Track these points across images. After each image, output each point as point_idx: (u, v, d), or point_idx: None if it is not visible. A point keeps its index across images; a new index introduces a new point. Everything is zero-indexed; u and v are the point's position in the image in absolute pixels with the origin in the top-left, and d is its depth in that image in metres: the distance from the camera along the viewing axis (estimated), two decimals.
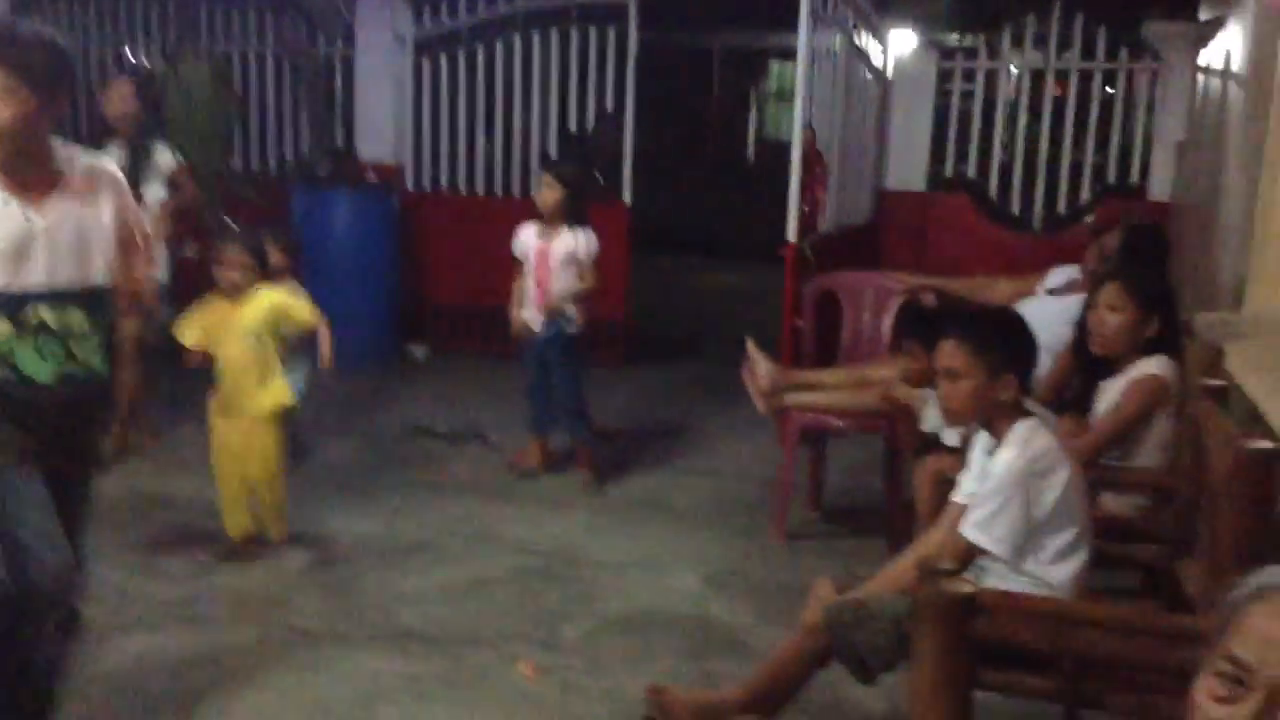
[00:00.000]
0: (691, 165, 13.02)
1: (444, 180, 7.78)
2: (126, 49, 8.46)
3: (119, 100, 5.44)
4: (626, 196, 7.38)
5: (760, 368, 4.43)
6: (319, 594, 3.96)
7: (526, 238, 5.03)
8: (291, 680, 3.36)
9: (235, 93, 7.77)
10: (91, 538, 2.90)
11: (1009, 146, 7.85)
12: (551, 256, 4.94)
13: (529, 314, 5.03)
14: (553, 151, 7.60)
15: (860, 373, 4.47)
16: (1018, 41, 7.53)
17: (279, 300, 4.15)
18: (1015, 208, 7.68)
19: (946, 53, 7.80)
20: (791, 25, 5.50)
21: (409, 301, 7.43)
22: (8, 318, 2.53)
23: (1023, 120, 7.62)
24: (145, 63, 8.51)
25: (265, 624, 3.67)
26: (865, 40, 7.10)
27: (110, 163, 2.75)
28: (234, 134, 7.70)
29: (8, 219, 2.52)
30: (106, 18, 8.54)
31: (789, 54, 5.58)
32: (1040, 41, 7.49)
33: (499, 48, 7.64)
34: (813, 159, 6.49)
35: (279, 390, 4.15)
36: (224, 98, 7.01)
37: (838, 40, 6.42)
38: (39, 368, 2.56)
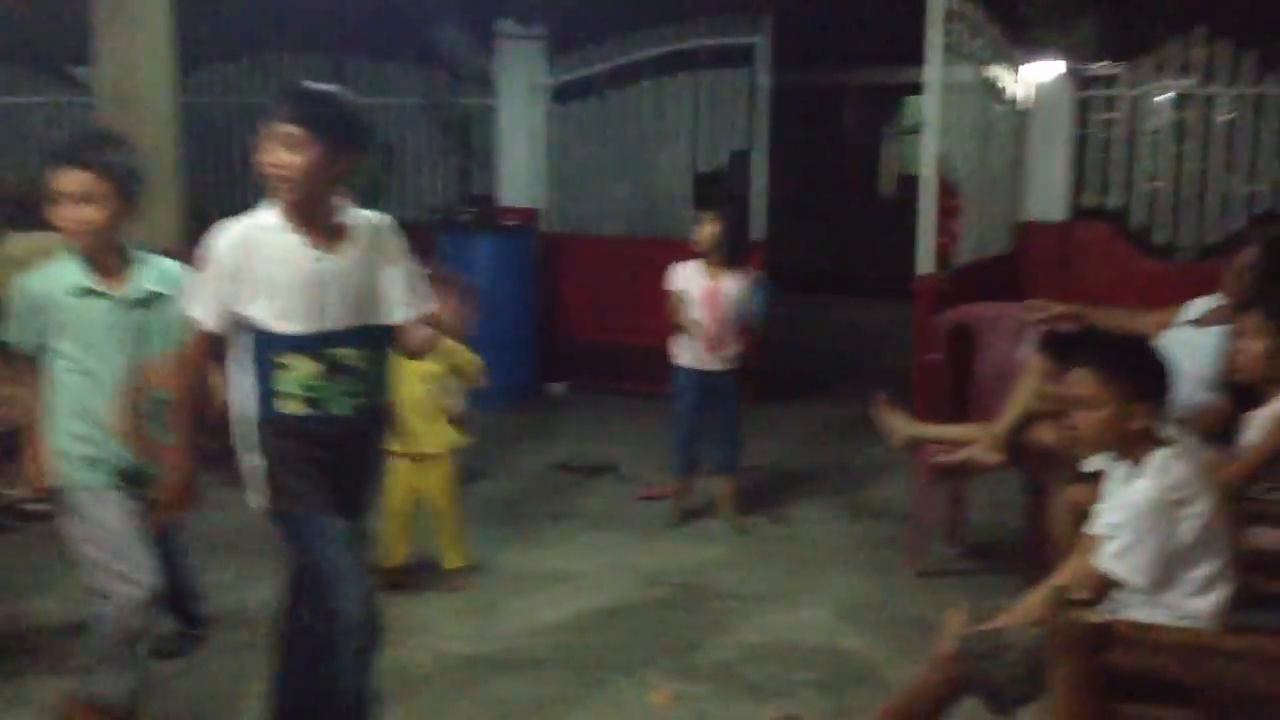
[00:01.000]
0: (825, 202, 13.00)
1: (580, 222, 7.99)
2: None
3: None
4: (759, 234, 7.45)
5: (890, 426, 4.41)
6: (462, 620, 4.10)
7: (689, 277, 5.01)
8: (432, 704, 3.48)
9: (384, 143, 8.14)
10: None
11: (1155, 174, 7.64)
12: (720, 296, 4.97)
13: (694, 354, 5.03)
14: (686, 192, 7.73)
15: (992, 428, 4.36)
16: (1161, 68, 7.34)
17: (453, 350, 4.18)
18: (1163, 236, 7.46)
19: (1085, 81, 7.65)
20: (924, 60, 5.50)
21: (548, 340, 7.63)
22: (312, 358, 2.68)
23: (1173, 148, 7.40)
24: None
25: (410, 648, 3.81)
26: (1000, 71, 7.03)
27: (390, 220, 2.86)
28: (383, 182, 8.05)
29: (304, 263, 2.67)
30: (263, 77, 9.06)
31: (922, 88, 5.57)
32: (1186, 68, 7.29)
33: (632, 92, 7.83)
34: (947, 192, 6.44)
35: (451, 432, 4.33)
36: (373, 148, 7.34)
37: (970, 73, 6.39)
38: (341, 404, 2.71)
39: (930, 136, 5.56)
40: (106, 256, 2.95)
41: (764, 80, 7.48)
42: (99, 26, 7.18)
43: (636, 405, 6.27)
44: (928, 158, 5.56)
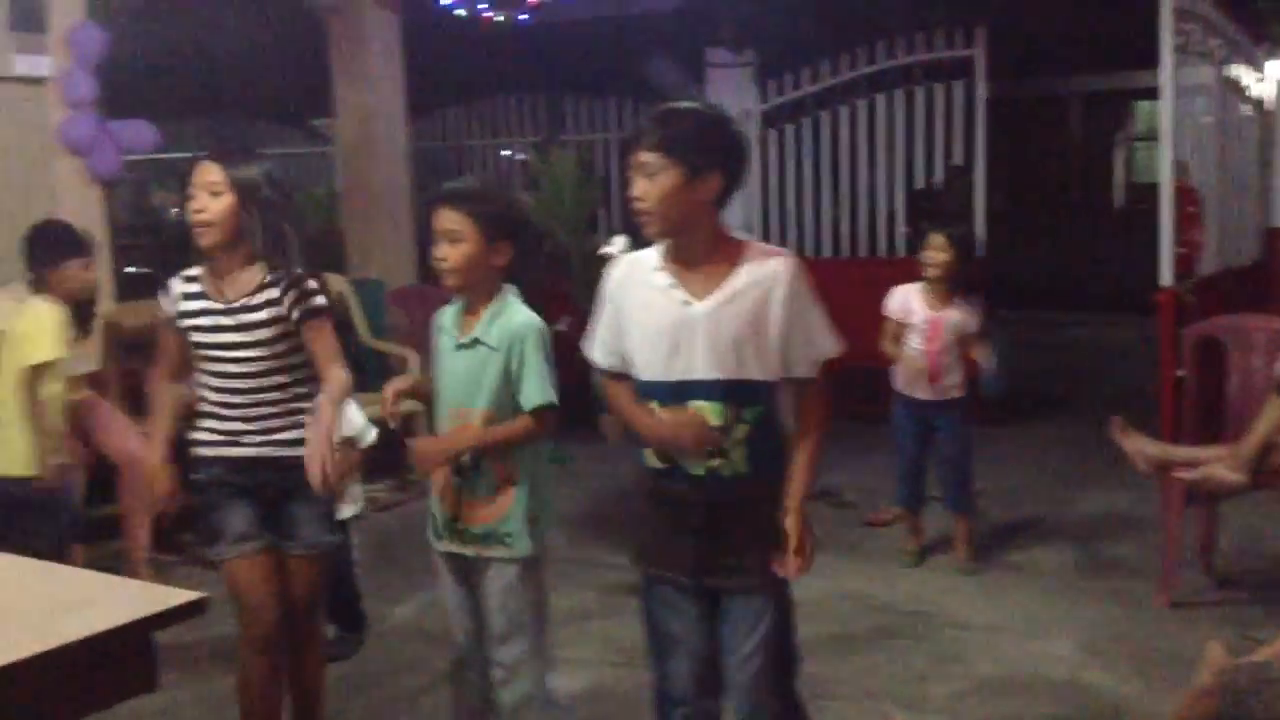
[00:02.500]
0: (1051, 215, 12.50)
1: (792, 245, 7.95)
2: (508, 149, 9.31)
3: None
4: (981, 251, 7.23)
5: (1133, 450, 4.10)
6: None
7: (910, 303, 4.75)
8: None
9: (598, 177, 8.34)
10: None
11: None
12: (944, 328, 4.68)
13: (915, 385, 4.77)
14: (900, 210, 7.58)
15: (1238, 446, 4.05)
16: None
17: None
18: None
19: None
20: (1156, 62, 5.22)
21: None
22: (664, 407, 2.47)
23: None
24: (520, 156, 9.34)
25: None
26: (1242, 71, 6.60)
27: (787, 260, 2.49)
28: (597, 215, 8.25)
29: (666, 306, 2.44)
30: (485, 118, 9.46)
31: (1156, 93, 5.27)
32: None
33: (842, 111, 7.76)
34: (1187, 199, 6.08)
35: None
36: (588, 182, 7.54)
37: (1209, 73, 6.02)
38: (694, 463, 2.46)
39: (1166, 142, 5.26)
40: (475, 297, 2.79)
41: (982, 92, 7.27)
42: (338, 82, 7.69)
43: (856, 429, 6.14)
44: (1165, 164, 5.26)
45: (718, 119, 2.47)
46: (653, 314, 2.46)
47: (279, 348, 2.91)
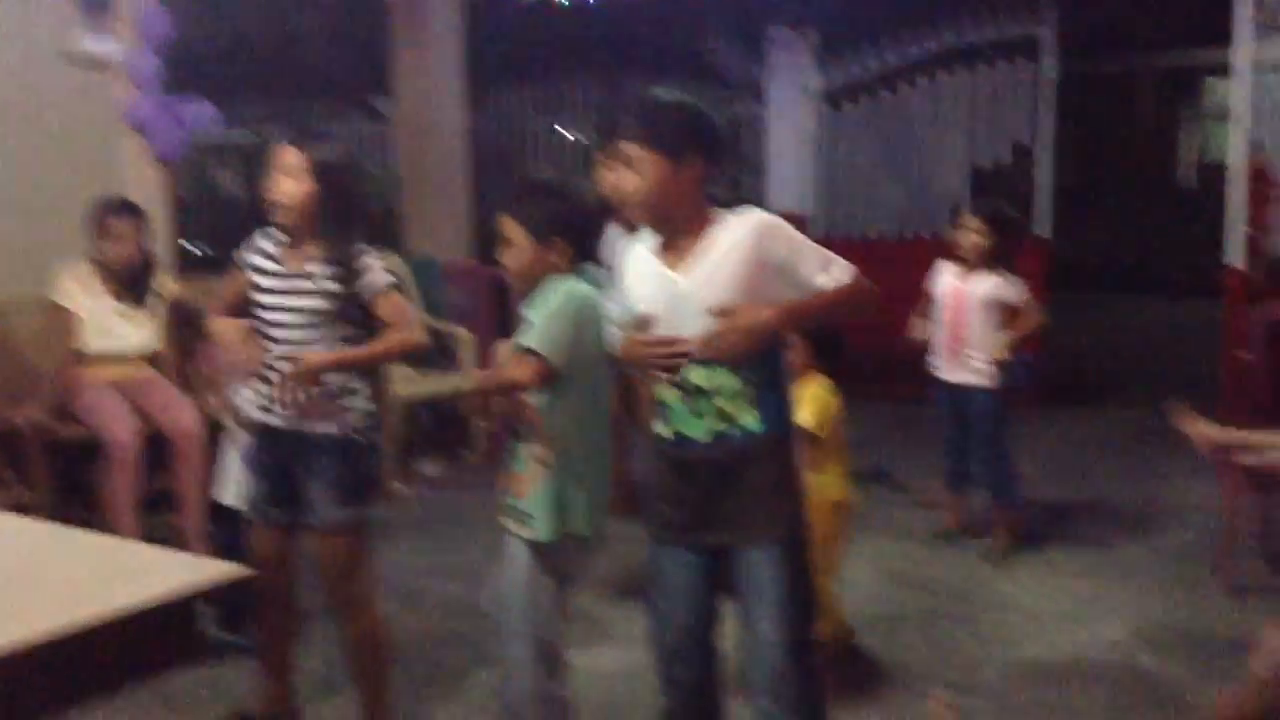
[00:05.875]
0: (1118, 195, 12.25)
1: (852, 225, 7.87)
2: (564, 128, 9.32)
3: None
4: (1045, 231, 7.11)
5: (1195, 433, 3.97)
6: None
7: (941, 275, 4.73)
8: None
9: None
10: None
11: None
12: (968, 300, 4.61)
13: (939, 361, 4.73)
14: (964, 190, 7.47)
15: None
16: None
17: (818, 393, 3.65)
18: None
19: None
20: (1229, 38, 5.09)
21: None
22: (670, 382, 2.52)
23: None
24: (581, 138, 9.35)
25: None
26: None
27: (754, 216, 2.50)
28: None
29: (658, 284, 2.53)
30: (546, 99, 9.47)
31: (1228, 69, 5.13)
32: None
33: (905, 90, 7.65)
34: (1263, 180, 5.91)
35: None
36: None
37: None
38: (695, 426, 2.51)
39: (1238, 120, 5.13)
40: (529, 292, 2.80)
41: (1049, 71, 7.13)
42: (398, 60, 7.75)
43: (910, 412, 6.09)
44: (1236, 143, 5.13)
45: (693, 105, 2.52)
46: (647, 295, 2.54)
47: (324, 327, 2.98)
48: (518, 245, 2.74)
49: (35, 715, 1.87)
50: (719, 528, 2.53)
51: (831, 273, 2.47)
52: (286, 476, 3.07)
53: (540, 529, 2.74)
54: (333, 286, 2.97)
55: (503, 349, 2.81)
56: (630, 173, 2.47)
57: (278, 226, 3.03)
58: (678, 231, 2.51)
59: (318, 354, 2.95)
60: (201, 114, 5.48)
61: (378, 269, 3.02)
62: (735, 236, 2.47)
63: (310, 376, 2.92)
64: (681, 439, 2.53)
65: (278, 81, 10.72)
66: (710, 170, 2.49)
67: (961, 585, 4.40)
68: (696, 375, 2.48)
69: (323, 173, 2.96)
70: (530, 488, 2.74)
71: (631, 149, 2.45)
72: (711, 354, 2.44)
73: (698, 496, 2.53)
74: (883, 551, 4.75)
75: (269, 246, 3.08)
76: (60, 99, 5.01)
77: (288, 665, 3.32)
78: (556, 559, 2.79)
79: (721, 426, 2.49)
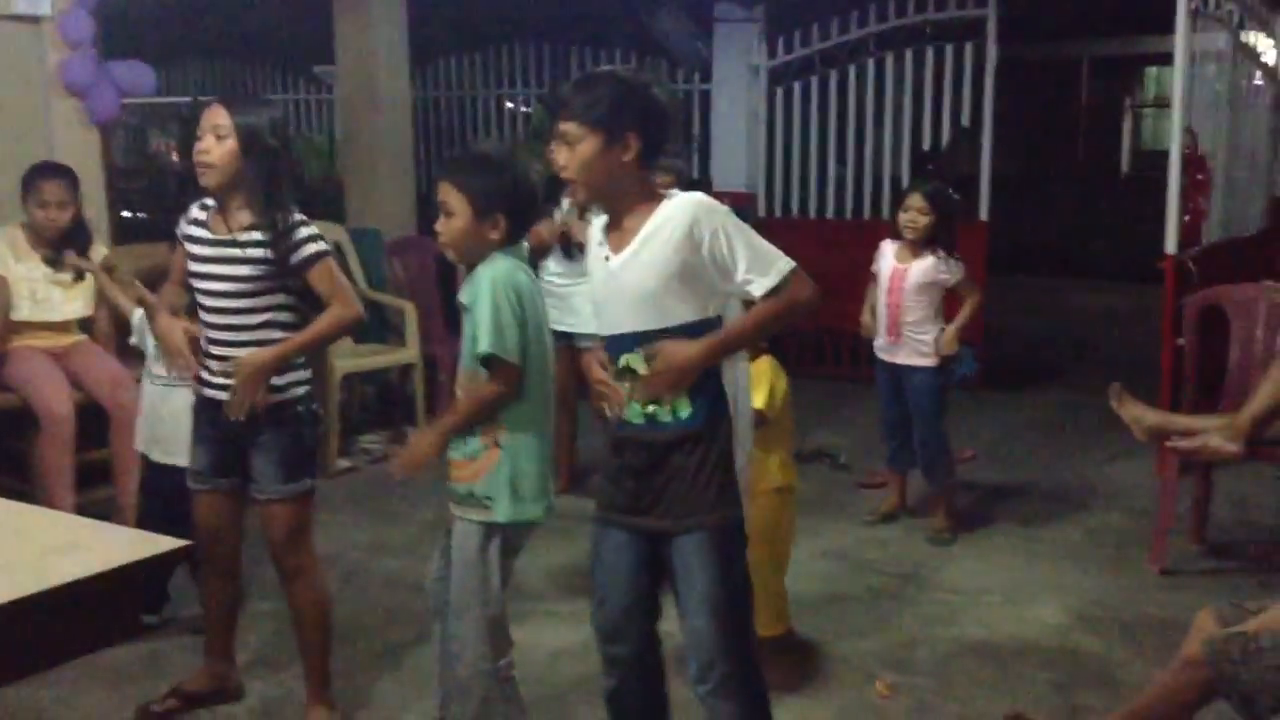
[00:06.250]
0: (1057, 180, 12.42)
1: (797, 205, 7.89)
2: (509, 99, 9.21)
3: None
4: (984, 215, 7.18)
5: (1131, 417, 4.04)
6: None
7: (884, 256, 4.76)
8: None
9: None
10: None
11: None
12: (907, 280, 4.64)
13: (879, 340, 4.77)
14: (905, 172, 7.52)
15: (1236, 416, 4.01)
16: None
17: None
18: None
19: None
20: (1168, 28, 5.15)
21: None
22: (614, 364, 2.54)
23: None
24: (523, 109, 9.26)
25: None
26: (1255, 38, 6.51)
27: (687, 198, 2.50)
28: None
29: (598, 264, 2.54)
30: (490, 68, 9.36)
31: (1167, 58, 5.19)
32: None
33: (851, 70, 7.67)
34: (1193, 166, 6.02)
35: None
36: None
37: (1222, 39, 5.94)
38: (631, 408, 2.51)
39: (1178, 108, 5.20)
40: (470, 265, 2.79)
41: (993, 54, 7.18)
42: (339, 29, 7.59)
43: (858, 392, 6.14)
44: (1176, 131, 5.20)
45: (632, 83, 2.50)
46: (593, 274, 2.59)
47: (256, 296, 2.95)
48: (458, 214, 2.69)
49: None
50: (651, 512, 2.53)
51: (769, 277, 2.41)
52: (229, 445, 3.04)
53: (498, 511, 2.72)
54: (261, 253, 2.92)
55: (460, 373, 2.77)
56: (568, 150, 2.46)
57: (207, 190, 2.98)
58: (621, 211, 2.51)
59: (256, 354, 2.91)
60: (138, 77, 5.33)
61: (311, 237, 2.96)
62: (668, 219, 2.45)
63: (255, 379, 2.90)
64: (620, 420, 2.55)
65: (220, 48, 10.48)
66: (650, 151, 2.48)
67: (902, 566, 4.44)
68: (633, 360, 2.49)
69: (247, 133, 2.90)
70: (485, 471, 2.72)
71: (570, 127, 2.44)
72: (650, 398, 2.47)
73: (632, 478, 2.54)
74: (824, 532, 4.78)
75: (201, 215, 3.03)
76: None
77: (231, 638, 3.29)
78: (509, 539, 2.77)
79: (654, 410, 2.50)
